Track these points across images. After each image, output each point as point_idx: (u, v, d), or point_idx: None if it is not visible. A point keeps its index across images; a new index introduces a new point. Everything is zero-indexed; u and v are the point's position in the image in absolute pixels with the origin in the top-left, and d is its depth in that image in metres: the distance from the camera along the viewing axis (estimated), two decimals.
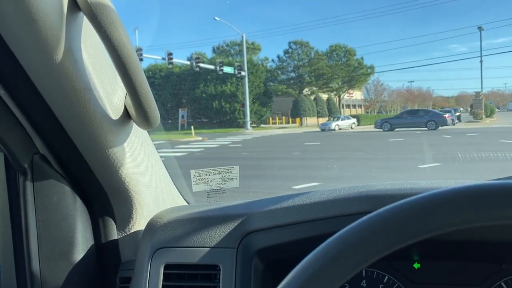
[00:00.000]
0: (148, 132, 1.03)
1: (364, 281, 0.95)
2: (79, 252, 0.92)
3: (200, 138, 22.27)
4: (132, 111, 0.84)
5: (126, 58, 0.70)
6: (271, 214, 0.89)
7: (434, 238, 0.45)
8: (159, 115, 0.84)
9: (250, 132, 29.05)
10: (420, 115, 24.25)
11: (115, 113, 0.83)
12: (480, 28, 43.58)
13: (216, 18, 33.38)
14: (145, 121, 0.81)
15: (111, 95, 0.82)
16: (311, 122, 37.93)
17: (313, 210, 0.86)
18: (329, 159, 11.31)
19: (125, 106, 0.86)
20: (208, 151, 16.19)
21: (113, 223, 0.99)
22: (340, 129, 28.91)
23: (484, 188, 0.46)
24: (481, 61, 42.91)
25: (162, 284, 0.88)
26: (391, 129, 22.74)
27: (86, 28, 0.73)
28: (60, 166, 0.90)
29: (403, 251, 0.49)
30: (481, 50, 53.32)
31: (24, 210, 0.88)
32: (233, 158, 13.18)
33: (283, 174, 8.89)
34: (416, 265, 0.94)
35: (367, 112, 46.92)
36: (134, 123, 0.89)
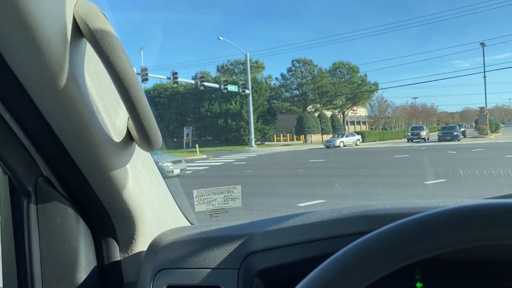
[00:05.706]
0: (150, 153, 1.04)
1: None
2: (82, 273, 0.92)
3: (205, 156, 22.33)
4: (134, 133, 0.85)
5: (128, 83, 0.72)
6: (272, 235, 0.89)
7: (435, 257, 0.45)
8: (160, 137, 0.85)
9: (255, 150, 29.10)
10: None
11: (118, 135, 0.84)
12: (482, 44, 43.74)
13: (220, 37, 33.79)
14: (147, 143, 0.83)
15: (114, 118, 0.84)
16: (316, 139, 37.93)
17: (314, 230, 0.86)
18: (334, 176, 11.27)
19: (127, 128, 0.87)
20: (213, 169, 16.20)
21: (116, 244, 0.99)
22: (344, 145, 28.91)
23: (479, 208, 0.46)
24: (484, 77, 42.92)
25: None
26: None
27: (89, 54, 0.75)
28: (64, 189, 0.91)
29: (405, 271, 0.49)
30: (484, 66, 53.47)
31: (28, 232, 0.88)
32: (238, 175, 13.17)
33: (288, 192, 8.87)
34: (419, 285, 0.93)
35: (371, 129, 46.92)
36: (136, 145, 0.90)
